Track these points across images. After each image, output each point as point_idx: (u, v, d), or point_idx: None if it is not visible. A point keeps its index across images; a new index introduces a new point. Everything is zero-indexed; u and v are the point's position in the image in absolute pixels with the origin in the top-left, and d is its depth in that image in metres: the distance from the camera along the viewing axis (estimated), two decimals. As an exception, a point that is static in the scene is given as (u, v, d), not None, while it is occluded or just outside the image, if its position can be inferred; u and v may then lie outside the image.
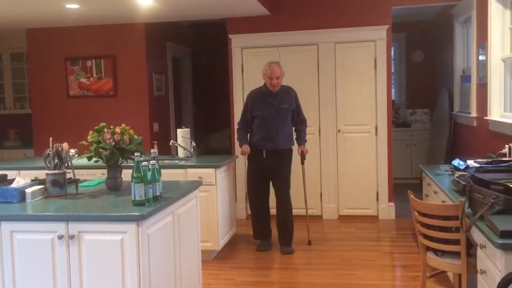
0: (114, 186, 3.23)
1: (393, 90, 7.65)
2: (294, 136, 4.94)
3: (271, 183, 4.88)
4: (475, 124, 5.31)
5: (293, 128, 4.92)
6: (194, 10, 5.59)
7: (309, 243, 4.97)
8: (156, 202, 2.83)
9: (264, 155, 4.74)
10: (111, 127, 3.21)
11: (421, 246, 3.16)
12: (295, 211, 4.93)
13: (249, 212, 5.91)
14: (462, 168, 3.54)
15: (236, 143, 5.96)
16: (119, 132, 3.18)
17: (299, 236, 4.99)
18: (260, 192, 4.86)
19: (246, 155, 4.86)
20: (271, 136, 4.72)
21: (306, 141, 4.97)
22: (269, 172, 4.79)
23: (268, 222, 4.92)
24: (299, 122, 4.93)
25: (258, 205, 4.88)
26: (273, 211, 4.90)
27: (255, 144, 4.80)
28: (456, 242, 2.84)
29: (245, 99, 5.13)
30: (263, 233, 4.93)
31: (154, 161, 2.91)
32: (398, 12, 6.00)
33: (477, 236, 2.50)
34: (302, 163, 4.96)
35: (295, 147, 4.92)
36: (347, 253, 4.73)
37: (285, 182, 4.81)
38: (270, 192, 4.90)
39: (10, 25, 6.15)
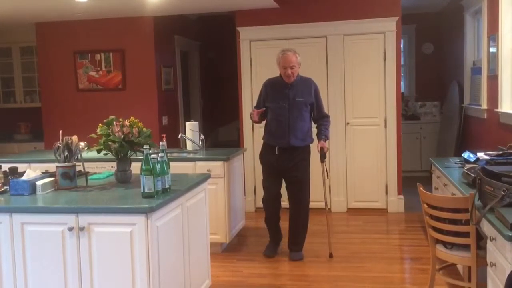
0: (123, 178, 3.25)
1: (402, 83, 7.63)
2: (315, 133, 4.46)
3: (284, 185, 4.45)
4: (485, 117, 5.27)
5: (313, 125, 4.44)
6: (203, 2, 5.58)
7: (330, 255, 4.42)
8: (165, 195, 2.84)
9: (277, 152, 4.30)
10: (120, 120, 3.23)
11: (430, 238, 3.15)
12: (310, 204, 4.50)
13: (258, 205, 5.95)
14: (472, 160, 3.52)
15: (245, 136, 6.01)
16: (128, 125, 3.19)
17: (309, 230, 4.66)
18: (271, 191, 4.41)
19: (257, 120, 4.41)
20: (282, 131, 4.26)
21: (327, 137, 4.40)
22: (282, 172, 4.35)
23: (276, 225, 4.53)
24: (320, 119, 4.42)
25: (267, 204, 4.46)
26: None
27: (266, 139, 4.41)
28: (466, 234, 2.84)
29: (259, 89, 4.60)
30: (271, 236, 4.56)
31: (163, 153, 2.92)
32: (408, 3, 5.96)
33: (487, 228, 2.49)
34: (322, 161, 4.39)
35: (314, 146, 4.45)
36: (355, 246, 4.72)
37: (299, 187, 4.34)
38: (283, 194, 4.48)
39: (19, 20, 6.19)
